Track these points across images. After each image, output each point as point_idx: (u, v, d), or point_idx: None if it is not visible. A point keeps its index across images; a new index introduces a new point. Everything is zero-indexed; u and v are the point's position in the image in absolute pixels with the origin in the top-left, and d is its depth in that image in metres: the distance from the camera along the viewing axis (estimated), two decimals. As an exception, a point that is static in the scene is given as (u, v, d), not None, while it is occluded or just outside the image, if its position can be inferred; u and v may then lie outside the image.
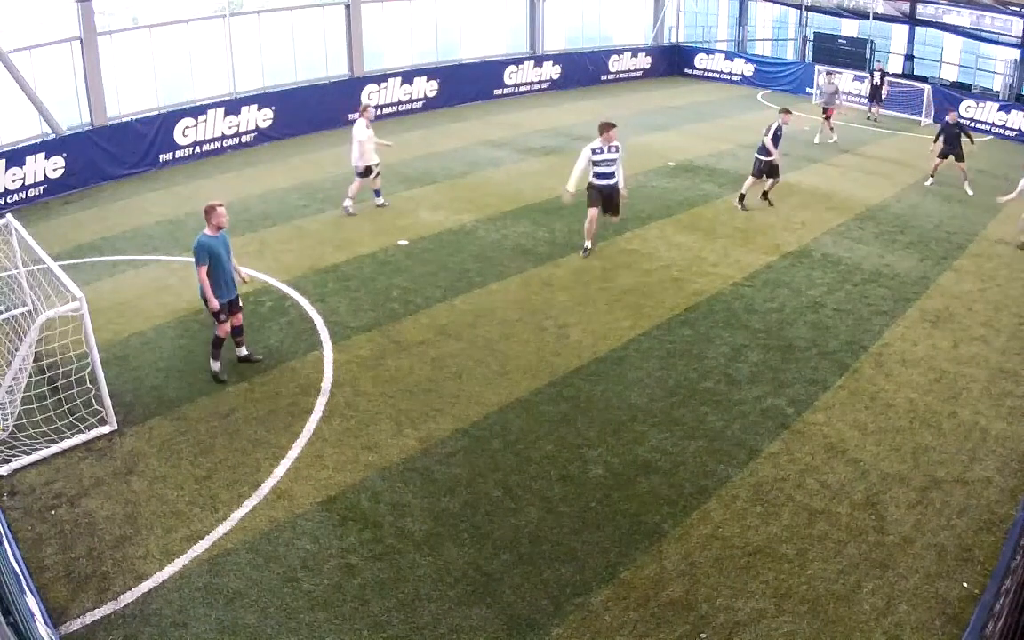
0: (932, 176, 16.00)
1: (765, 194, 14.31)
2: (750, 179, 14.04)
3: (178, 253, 11.75)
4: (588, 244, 11.88)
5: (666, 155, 17.74)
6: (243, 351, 8.74)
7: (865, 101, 23.48)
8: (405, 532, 6.28)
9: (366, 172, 13.37)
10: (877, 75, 22.79)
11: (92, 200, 14.54)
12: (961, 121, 16.64)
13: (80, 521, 6.35)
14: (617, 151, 11.54)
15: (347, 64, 20.98)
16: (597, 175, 11.59)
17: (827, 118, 19.69)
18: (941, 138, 15.76)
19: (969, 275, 11.45)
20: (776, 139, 13.70)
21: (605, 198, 11.67)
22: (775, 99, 25.04)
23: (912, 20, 26.01)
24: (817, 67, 25.18)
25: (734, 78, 27.58)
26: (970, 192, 15.39)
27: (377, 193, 13.86)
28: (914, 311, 10.20)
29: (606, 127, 11.44)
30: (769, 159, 13.72)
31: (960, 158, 15.53)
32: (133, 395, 8.12)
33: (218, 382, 8.33)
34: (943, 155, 15.67)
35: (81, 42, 15.86)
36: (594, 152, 11.55)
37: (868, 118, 22.54)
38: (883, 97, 22.90)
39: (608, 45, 27.94)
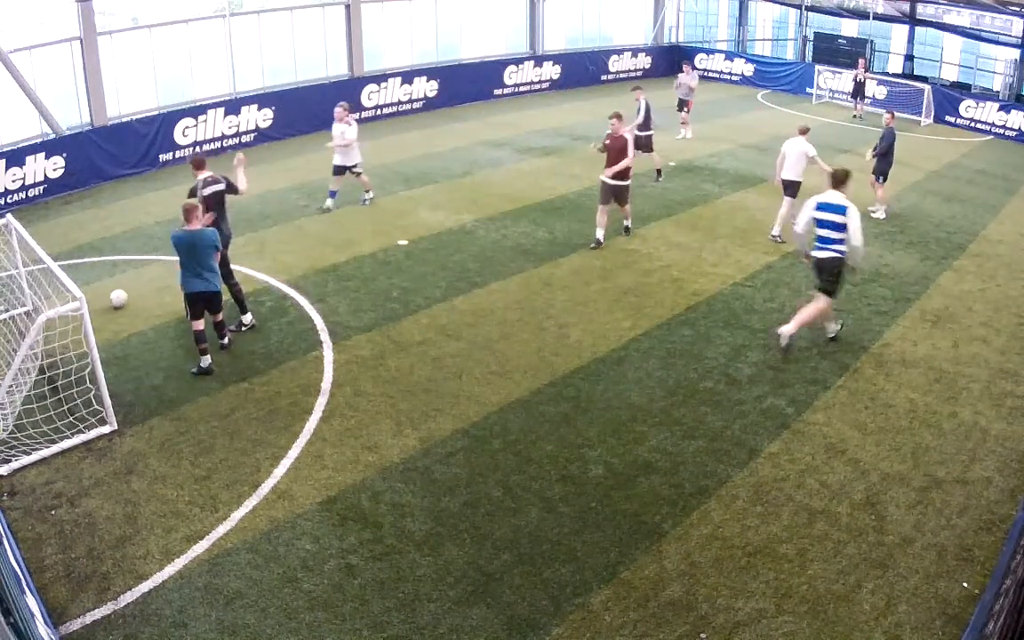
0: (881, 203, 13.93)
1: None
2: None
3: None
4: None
5: (666, 155, 17.72)
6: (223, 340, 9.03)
7: (849, 99, 23.36)
8: (405, 532, 6.28)
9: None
10: (860, 71, 22.54)
11: (92, 200, 14.54)
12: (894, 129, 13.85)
13: (80, 521, 6.35)
14: None
15: (347, 64, 20.98)
16: None
17: (686, 111, 19.21)
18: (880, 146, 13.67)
19: (969, 275, 11.45)
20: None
21: None
22: (775, 99, 25.06)
23: (912, 20, 26.01)
24: (818, 68, 25.18)
25: (734, 78, 27.57)
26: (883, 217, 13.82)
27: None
28: (914, 311, 10.20)
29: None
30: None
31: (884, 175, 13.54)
32: (133, 395, 8.12)
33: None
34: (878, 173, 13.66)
35: (81, 42, 15.85)
36: None
37: (854, 117, 22.31)
38: (866, 93, 22.62)
39: (608, 45, 27.92)
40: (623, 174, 11.86)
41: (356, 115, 20.27)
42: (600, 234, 12.12)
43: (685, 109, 19.29)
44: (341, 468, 7.03)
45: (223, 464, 7.07)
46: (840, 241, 8.50)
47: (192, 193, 9.34)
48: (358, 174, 13.63)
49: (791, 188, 12.42)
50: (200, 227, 8.50)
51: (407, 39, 22.78)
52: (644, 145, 15.34)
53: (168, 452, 7.23)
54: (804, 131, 12.50)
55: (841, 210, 8.47)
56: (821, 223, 8.61)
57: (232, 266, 9.54)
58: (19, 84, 14.48)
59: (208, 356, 8.59)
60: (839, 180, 8.62)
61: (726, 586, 5.78)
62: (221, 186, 9.39)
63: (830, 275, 8.72)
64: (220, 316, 8.86)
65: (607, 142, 11.93)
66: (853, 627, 5.43)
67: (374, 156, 17.21)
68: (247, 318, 9.48)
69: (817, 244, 8.72)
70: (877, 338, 9.48)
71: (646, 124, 15.59)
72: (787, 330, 8.71)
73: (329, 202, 13.64)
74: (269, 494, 6.69)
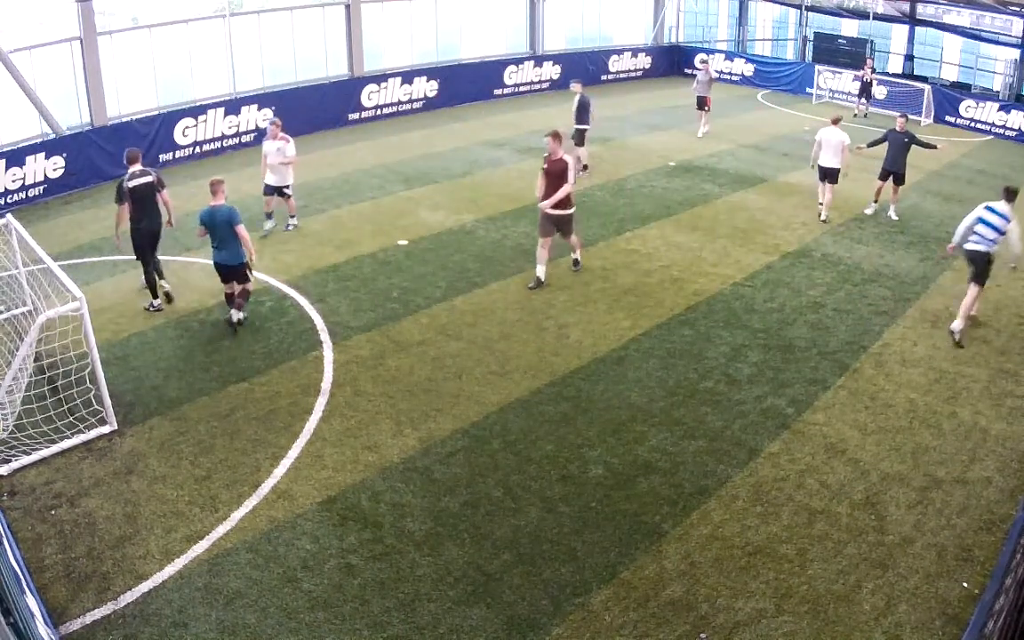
0: (875, 201, 13.97)
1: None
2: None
3: (178, 252, 11.74)
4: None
5: (666, 155, 17.74)
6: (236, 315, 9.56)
7: (854, 98, 23.40)
8: (405, 532, 6.28)
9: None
10: (867, 71, 22.59)
11: (92, 200, 14.52)
12: (910, 130, 13.67)
13: (80, 521, 6.35)
14: None
15: (347, 64, 20.97)
16: None
17: (706, 109, 19.56)
18: (884, 145, 13.51)
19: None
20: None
21: None
22: (775, 99, 25.06)
23: (912, 20, 26.01)
24: (818, 68, 25.18)
25: (734, 78, 27.56)
26: (895, 218, 13.71)
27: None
28: (914, 311, 10.20)
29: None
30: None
31: (901, 180, 13.54)
32: (133, 395, 8.12)
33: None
34: (883, 176, 13.58)
35: (81, 42, 15.84)
36: None
37: (855, 115, 22.32)
38: (872, 94, 22.72)
39: (608, 45, 27.92)
40: (565, 202, 10.54)
41: (356, 115, 20.47)
42: (541, 271, 10.68)
43: (705, 106, 19.52)
44: (341, 468, 7.03)
45: (223, 464, 7.07)
46: (994, 241, 9.44)
47: (120, 185, 9.66)
48: (287, 197, 12.48)
49: (830, 175, 13.30)
50: (222, 203, 9.17)
51: (407, 39, 22.77)
52: (576, 139, 15.54)
53: (168, 452, 7.23)
54: (836, 120, 13.41)
55: (1006, 218, 9.41)
56: (986, 223, 9.45)
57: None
58: (19, 84, 14.47)
59: (236, 312, 9.46)
60: (1011, 194, 9.54)
61: (726, 586, 5.78)
62: (149, 178, 9.74)
63: (980, 265, 9.52)
64: (236, 288, 9.47)
65: (545, 166, 10.58)
66: (853, 627, 5.43)
67: (374, 156, 17.24)
68: (156, 301, 9.97)
69: (974, 239, 9.53)
70: (877, 338, 9.48)
71: (583, 118, 15.66)
72: (957, 325, 9.50)
73: (268, 225, 12.46)
74: (269, 494, 6.69)
